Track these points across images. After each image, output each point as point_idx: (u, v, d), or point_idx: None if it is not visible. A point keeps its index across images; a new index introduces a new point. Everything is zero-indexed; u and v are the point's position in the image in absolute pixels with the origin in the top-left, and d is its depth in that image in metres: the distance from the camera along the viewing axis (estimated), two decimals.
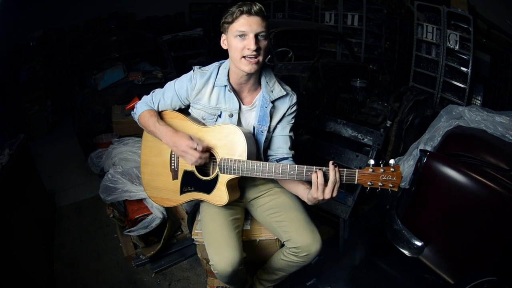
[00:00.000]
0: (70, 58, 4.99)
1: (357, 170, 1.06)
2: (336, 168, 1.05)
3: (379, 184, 1.05)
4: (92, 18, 5.63)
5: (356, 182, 1.06)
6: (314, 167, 1.08)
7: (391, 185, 1.04)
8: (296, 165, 1.11)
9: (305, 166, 1.09)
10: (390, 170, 1.03)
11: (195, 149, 1.17)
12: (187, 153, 1.19)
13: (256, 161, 1.16)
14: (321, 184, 1.06)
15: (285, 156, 1.35)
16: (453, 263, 1.52)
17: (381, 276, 1.78)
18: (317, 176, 1.06)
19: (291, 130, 1.36)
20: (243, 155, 1.18)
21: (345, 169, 1.06)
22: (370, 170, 1.04)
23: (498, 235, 1.40)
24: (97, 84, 3.16)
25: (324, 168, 1.08)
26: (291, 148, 1.36)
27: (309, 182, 1.11)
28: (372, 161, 1.05)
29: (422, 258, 1.57)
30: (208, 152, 1.23)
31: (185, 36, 4.90)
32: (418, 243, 1.54)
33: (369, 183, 1.05)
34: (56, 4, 4.84)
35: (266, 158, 1.38)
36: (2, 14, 3.81)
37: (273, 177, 1.16)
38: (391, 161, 1.04)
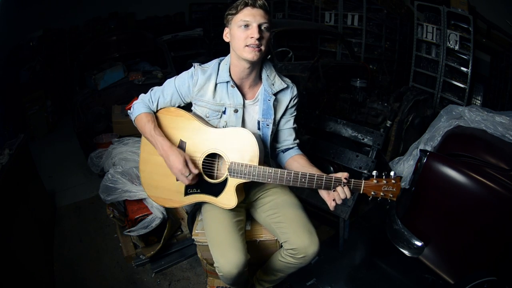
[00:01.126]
0: (70, 58, 4.99)
1: (363, 181, 1.12)
2: (347, 191, 1.11)
3: (381, 194, 1.12)
4: (92, 18, 5.62)
5: (361, 192, 1.13)
6: (325, 176, 1.12)
7: (391, 195, 1.12)
8: (308, 173, 1.14)
9: (315, 175, 1.13)
10: (392, 181, 1.11)
11: (187, 177, 1.19)
12: (178, 176, 1.22)
13: (268, 167, 1.17)
14: (337, 196, 1.13)
15: (290, 146, 1.38)
16: (453, 263, 1.52)
17: (381, 276, 1.78)
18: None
19: (294, 121, 1.38)
20: (255, 160, 1.18)
21: (352, 180, 1.11)
22: (375, 181, 1.11)
23: (498, 235, 1.40)
24: (97, 84, 3.15)
25: (334, 178, 1.11)
26: (295, 138, 1.39)
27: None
28: (375, 172, 1.11)
29: (422, 258, 1.57)
30: (198, 178, 1.24)
31: (185, 36, 4.90)
32: (418, 243, 1.54)
33: (372, 193, 1.12)
34: (56, 4, 4.83)
35: (272, 151, 1.39)
36: (2, 14, 3.81)
37: (284, 184, 1.17)
38: (392, 173, 1.11)
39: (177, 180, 1.27)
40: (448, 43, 3.70)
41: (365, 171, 1.83)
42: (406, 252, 1.58)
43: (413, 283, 1.72)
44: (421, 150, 1.65)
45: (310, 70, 2.51)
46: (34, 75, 4.26)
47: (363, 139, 1.90)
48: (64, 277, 1.83)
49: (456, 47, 3.64)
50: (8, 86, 3.97)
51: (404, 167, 2.09)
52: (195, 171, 1.21)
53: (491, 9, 3.67)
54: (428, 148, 1.85)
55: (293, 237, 1.23)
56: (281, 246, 1.34)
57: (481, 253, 1.44)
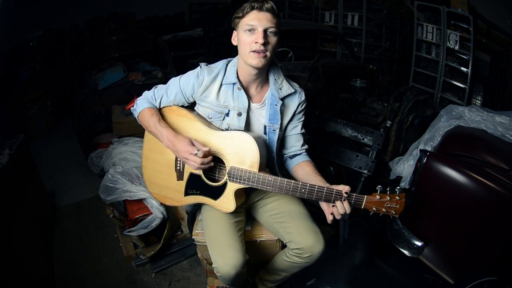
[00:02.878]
0: (70, 58, 5.00)
1: (365, 197, 1.08)
2: (345, 203, 1.07)
3: (383, 210, 1.08)
4: (92, 18, 5.63)
5: (362, 207, 1.09)
6: (326, 188, 1.09)
7: (393, 212, 1.08)
8: (308, 184, 1.11)
9: (316, 186, 1.10)
10: (396, 198, 1.07)
11: (196, 154, 1.14)
12: (188, 159, 1.17)
13: (268, 174, 1.15)
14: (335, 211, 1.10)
15: (298, 152, 1.36)
16: (453, 263, 1.52)
17: (381, 276, 1.78)
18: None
19: (302, 127, 1.36)
20: (255, 166, 1.16)
21: (354, 194, 1.08)
22: (377, 197, 1.07)
23: (498, 235, 1.40)
24: (97, 84, 3.16)
25: (335, 191, 1.08)
26: (303, 144, 1.37)
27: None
28: (379, 187, 1.08)
29: (422, 258, 1.57)
30: (211, 157, 1.19)
31: (185, 36, 4.91)
32: (418, 243, 1.54)
33: (374, 208, 1.08)
34: (56, 4, 4.84)
35: (279, 156, 1.37)
36: (2, 14, 3.81)
37: (283, 193, 1.15)
38: (397, 188, 1.07)
39: (191, 167, 1.21)
40: (448, 43, 3.70)
41: (365, 171, 1.83)
42: (406, 252, 1.58)
43: (413, 283, 1.72)
44: (421, 150, 1.65)
45: (310, 70, 2.50)
46: (34, 75, 4.26)
47: (363, 139, 1.90)
48: (64, 277, 1.83)
49: (456, 47, 3.64)
50: (8, 86, 3.97)
51: (404, 167, 2.09)
52: (205, 149, 1.15)
53: (491, 9, 3.66)
54: (428, 148, 1.85)
55: (298, 237, 1.22)
56: (283, 246, 1.33)
57: (481, 253, 1.44)
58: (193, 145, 1.17)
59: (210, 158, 1.18)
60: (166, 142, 1.22)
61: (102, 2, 5.66)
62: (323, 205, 1.14)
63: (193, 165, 1.17)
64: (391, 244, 1.64)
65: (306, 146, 1.37)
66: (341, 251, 1.93)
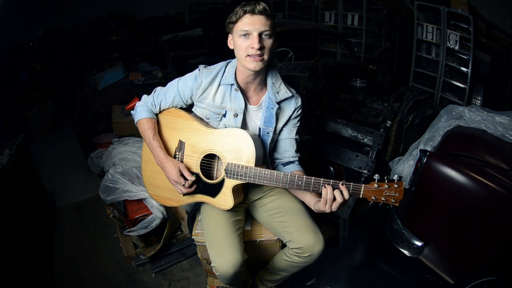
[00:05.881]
0: (70, 58, 5.00)
1: (363, 185, 1.08)
2: (345, 191, 1.07)
3: (382, 199, 1.07)
4: (92, 18, 5.64)
5: (361, 197, 1.09)
6: (322, 179, 1.09)
7: (393, 201, 1.07)
8: (304, 176, 1.11)
9: (313, 178, 1.10)
10: (394, 186, 1.06)
11: (183, 185, 1.23)
12: (174, 186, 1.27)
13: (264, 169, 1.16)
14: (330, 199, 1.08)
15: (291, 159, 1.36)
16: (453, 263, 1.52)
17: (381, 276, 1.78)
18: (327, 192, 1.08)
19: (297, 133, 1.36)
20: (251, 161, 1.17)
21: (351, 183, 1.08)
22: (375, 185, 1.06)
23: (498, 235, 1.40)
24: (97, 84, 3.15)
25: (332, 181, 1.08)
26: (297, 151, 1.37)
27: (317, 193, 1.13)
28: (377, 176, 1.07)
29: (422, 258, 1.57)
30: (195, 185, 1.26)
31: (185, 36, 4.91)
32: (418, 243, 1.54)
33: (373, 197, 1.08)
34: (56, 4, 4.84)
35: (272, 161, 1.38)
36: (2, 14, 3.81)
37: (280, 186, 1.16)
38: (395, 177, 1.06)
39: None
40: (448, 43, 3.70)
41: (365, 171, 1.83)
42: (406, 252, 1.58)
43: (413, 283, 1.72)
44: (421, 150, 1.65)
45: (310, 70, 2.50)
46: (34, 75, 4.26)
47: (363, 139, 1.90)
48: (64, 277, 1.83)
49: (456, 47, 3.64)
50: (8, 86, 3.97)
51: (404, 167, 2.09)
52: (191, 179, 1.24)
53: (491, 9, 3.67)
54: (428, 148, 1.85)
55: (298, 237, 1.23)
56: (283, 246, 1.34)
57: (481, 253, 1.44)
58: (182, 174, 1.24)
59: (194, 186, 1.26)
60: (157, 161, 1.28)
61: (102, 2, 5.66)
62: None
63: (179, 191, 1.27)
64: (391, 244, 1.64)
65: (299, 154, 1.37)
66: (341, 251, 1.93)
